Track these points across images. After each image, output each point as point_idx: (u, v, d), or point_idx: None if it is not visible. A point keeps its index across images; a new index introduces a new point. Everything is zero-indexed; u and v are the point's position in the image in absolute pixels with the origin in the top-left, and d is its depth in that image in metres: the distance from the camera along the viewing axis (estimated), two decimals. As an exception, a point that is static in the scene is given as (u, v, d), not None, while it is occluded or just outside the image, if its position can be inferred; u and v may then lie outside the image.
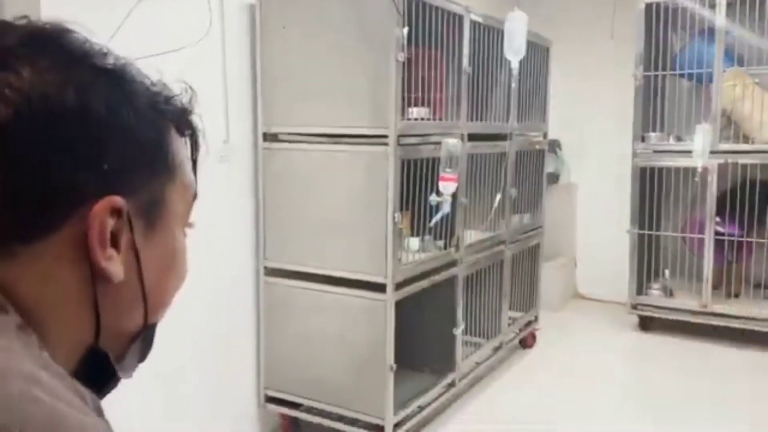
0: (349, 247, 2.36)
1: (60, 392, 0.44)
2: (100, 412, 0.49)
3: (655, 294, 3.92)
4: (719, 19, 3.55)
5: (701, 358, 3.58)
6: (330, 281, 2.40)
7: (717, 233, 3.67)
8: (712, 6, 3.58)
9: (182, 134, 0.60)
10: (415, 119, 2.47)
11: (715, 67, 3.59)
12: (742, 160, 3.57)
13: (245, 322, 2.55)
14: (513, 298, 3.40)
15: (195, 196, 0.62)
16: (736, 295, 3.80)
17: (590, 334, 4.01)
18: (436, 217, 2.46)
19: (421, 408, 2.59)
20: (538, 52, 3.38)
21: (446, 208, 2.43)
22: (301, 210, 2.44)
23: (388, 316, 2.31)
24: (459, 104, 2.70)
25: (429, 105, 2.57)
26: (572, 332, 4.07)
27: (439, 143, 2.42)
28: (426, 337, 2.79)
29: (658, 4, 3.75)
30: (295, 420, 2.61)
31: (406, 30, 2.22)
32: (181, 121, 0.60)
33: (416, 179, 2.41)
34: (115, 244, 0.52)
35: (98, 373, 0.55)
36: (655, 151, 3.83)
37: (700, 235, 3.73)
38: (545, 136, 3.64)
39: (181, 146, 0.59)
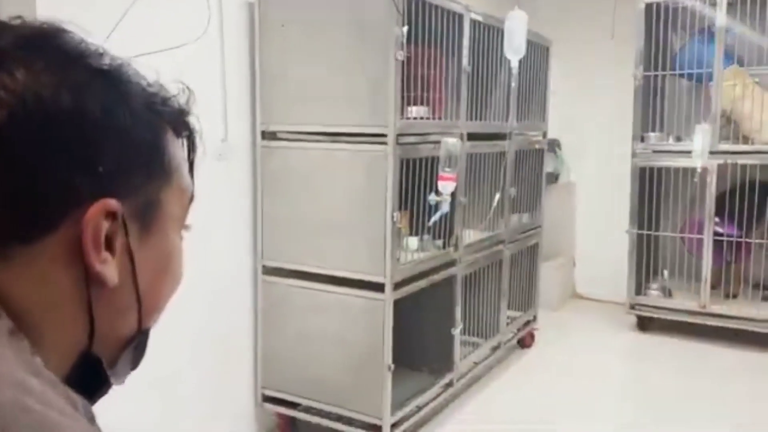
0: (348, 246, 2.35)
1: (51, 400, 0.44)
2: (92, 419, 0.48)
3: (653, 294, 3.92)
4: (719, 18, 3.54)
5: (699, 359, 3.58)
6: (328, 280, 2.40)
7: (716, 234, 3.66)
8: (713, 5, 3.58)
9: (179, 136, 0.59)
10: (415, 118, 2.46)
11: (715, 67, 3.59)
12: (742, 160, 3.57)
13: (243, 321, 2.54)
14: (511, 297, 3.40)
15: (192, 199, 0.61)
16: (735, 296, 3.80)
17: (589, 334, 4.01)
18: (435, 217, 2.45)
19: (418, 408, 2.58)
20: (538, 52, 3.37)
21: (445, 208, 2.43)
22: (299, 209, 2.43)
23: (386, 315, 2.30)
24: (458, 103, 2.69)
25: (428, 104, 2.56)
26: (571, 332, 4.07)
27: (438, 142, 2.42)
28: (424, 337, 2.79)
29: (658, 4, 3.75)
30: (292, 419, 2.60)
31: (405, 29, 2.21)
32: (178, 122, 0.59)
33: (415, 178, 2.40)
34: (109, 247, 0.51)
35: (91, 378, 0.54)
36: (655, 151, 3.82)
37: (699, 236, 3.73)
38: (545, 135, 3.64)
39: (177, 148, 0.59)
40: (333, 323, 2.40)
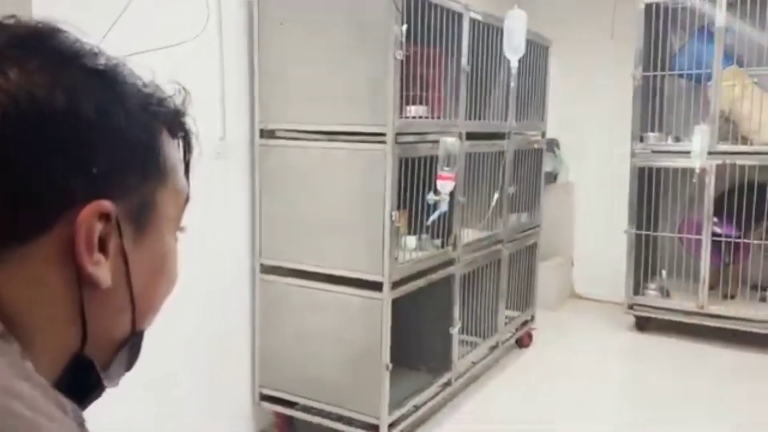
0: (346, 245, 2.35)
1: (40, 405, 0.43)
2: (81, 425, 0.48)
3: (651, 294, 3.92)
4: (719, 18, 3.54)
5: (697, 359, 3.58)
6: (326, 279, 2.39)
7: (714, 234, 3.67)
8: (713, 5, 3.57)
9: (175, 137, 0.59)
10: (413, 117, 2.45)
11: (714, 68, 3.59)
12: (740, 161, 3.57)
13: (241, 320, 2.54)
14: (510, 297, 3.40)
15: (187, 200, 0.61)
16: (733, 297, 3.80)
17: (587, 334, 4.01)
18: (434, 216, 2.45)
19: (416, 407, 2.58)
20: (537, 51, 3.37)
21: (444, 207, 2.42)
22: (297, 207, 2.42)
23: (384, 314, 2.30)
24: (457, 103, 2.69)
25: (427, 103, 2.56)
26: (569, 332, 4.07)
27: (437, 142, 2.41)
28: (422, 336, 2.79)
29: (658, 4, 3.74)
30: (290, 419, 2.60)
31: (404, 27, 2.21)
32: (174, 123, 0.58)
33: (414, 178, 2.40)
34: (103, 248, 0.51)
35: (83, 381, 0.53)
36: (654, 152, 3.82)
37: (698, 236, 3.73)
38: (543, 135, 3.64)
39: (173, 149, 0.58)
40: (331, 322, 2.40)
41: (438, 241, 2.66)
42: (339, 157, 2.33)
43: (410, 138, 2.36)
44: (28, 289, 0.49)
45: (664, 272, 3.94)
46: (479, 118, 2.87)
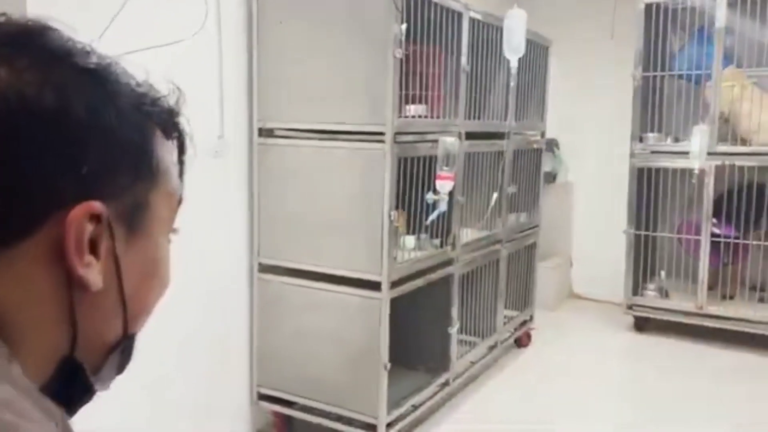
0: (345, 244, 2.34)
1: (26, 411, 0.43)
2: (67, 430, 0.47)
3: (650, 295, 3.92)
4: (719, 19, 3.54)
5: (696, 360, 3.58)
6: (325, 279, 2.39)
7: (713, 235, 3.66)
8: (712, 6, 3.57)
9: (169, 137, 0.58)
10: (413, 117, 2.45)
11: (713, 68, 3.58)
12: (739, 162, 3.56)
13: (239, 319, 2.53)
14: (508, 297, 3.40)
15: (180, 201, 0.60)
16: (731, 297, 3.80)
17: (586, 334, 4.01)
18: (433, 216, 2.44)
19: (414, 407, 2.58)
20: (537, 51, 3.36)
21: (443, 207, 2.42)
22: (296, 207, 2.42)
23: (382, 314, 2.29)
24: (457, 102, 2.68)
25: (427, 102, 2.55)
26: (568, 332, 4.07)
27: (436, 141, 2.41)
28: (421, 336, 2.78)
29: (658, 4, 3.74)
30: (288, 418, 2.60)
31: (404, 26, 2.20)
32: (168, 123, 0.57)
33: (413, 177, 2.39)
34: (94, 250, 0.50)
35: (73, 385, 0.52)
36: (653, 152, 3.82)
37: (696, 237, 3.73)
38: (543, 135, 3.63)
39: (166, 150, 0.57)
40: (329, 322, 2.40)
41: (437, 241, 2.66)
42: (338, 156, 2.33)
43: (409, 137, 2.35)
44: (17, 291, 0.48)
45: (663, 273, 3.94)
46: (479, 118, 2.87)
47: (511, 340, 3.54)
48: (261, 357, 2.55)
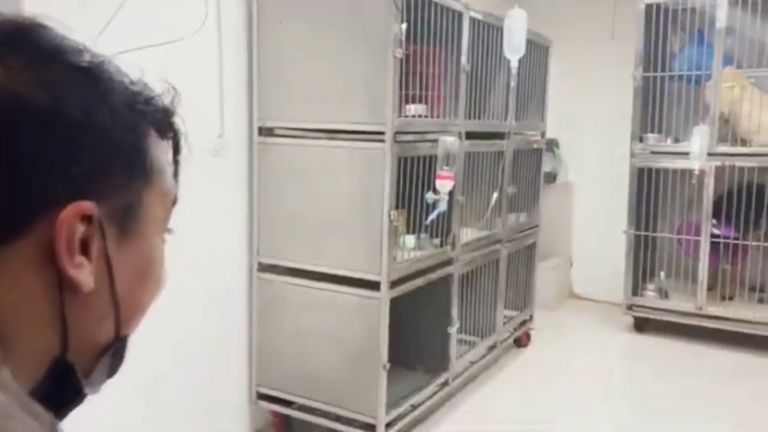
0: (344, 244, 2.34)
1: (14, 414, 0.42)
2: None
3: (650, 295, 3.92)
4: (719, 20, 3.53)
5: (695, 360, 3.58)
6: (324, 278, 2.39)
7: (713, 235, 3.66)
8: (713, 6, 3.57)
9: (164, 137, 0.57)
10: (413, 116, 2.45)
11: (714, 69, 3.58)
12: (739, 162, 3.56)
13: (238, 318, 2.53)
14: (508, 297, 3.39)
15: (175, 201, 0.59)
16: (731, 298, 3.80)
17: (585, 334, 4.01)
18: (432, 215, 2.44)
19: (413, 407, 2.57)
20: (537, 51, 3.36)
21: (443, 206, 2.42)
22: (295, 206, 2.42)
23: (382, 314, 2.29)
24: (457, 102, 2.68)
25: (427, 102, 2.55)
26: (567, 332, 4.07)
27: (436, 141, 2.41)
28: (420, 336, 2.78)
29: (658, 5, 3.74)
30: (287, 417, 2.59)
31: (404, 26, 2.20)
32: (163, 123, 0.57)
33: (413, 177, 2.39)
34: (85, 251, 0.49)
35: (64, 387, 0.52)
36: (653, 152, 3.82)
37: (696, 237, 3.73)
38: (543, 135, 3.63)
39: (161, 149, 0.56)
40: (328, 321, 2.39)
41: (437, 241, 2.66)
42: (338, 155, 2.32)
43: (409, 137, 2.35)
44: (7, 292, 0.47)
45: (662, 273, 3.94)
46: (479, 118, 2.87)
47: (511, 340, 3.54)
48: (260, 356, 2.55)
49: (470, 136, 2.76)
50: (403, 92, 2.30)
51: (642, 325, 3.98)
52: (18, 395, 0.45)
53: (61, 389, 0.52)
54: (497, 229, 3.15)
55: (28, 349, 0.49)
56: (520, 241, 3.45)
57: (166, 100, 0.58)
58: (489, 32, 2.84)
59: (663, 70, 3.83)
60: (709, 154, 3.47)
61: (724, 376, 3.37)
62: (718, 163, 3.57)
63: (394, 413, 2.42)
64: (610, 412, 3.06)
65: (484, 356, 3.18)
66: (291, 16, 2.36)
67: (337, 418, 2.42)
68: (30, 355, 0.49)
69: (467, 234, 2.89)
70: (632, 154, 3.84)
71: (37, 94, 0.47)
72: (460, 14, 2.62)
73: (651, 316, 3.91)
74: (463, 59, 2.66)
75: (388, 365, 2.32)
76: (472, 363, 3.06)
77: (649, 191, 3.88)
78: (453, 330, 2.78)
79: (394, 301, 2.33)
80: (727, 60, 3.64)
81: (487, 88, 2.92)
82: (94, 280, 0.50)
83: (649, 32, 3.75)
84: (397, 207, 2.29)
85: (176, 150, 0.59)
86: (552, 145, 4.40)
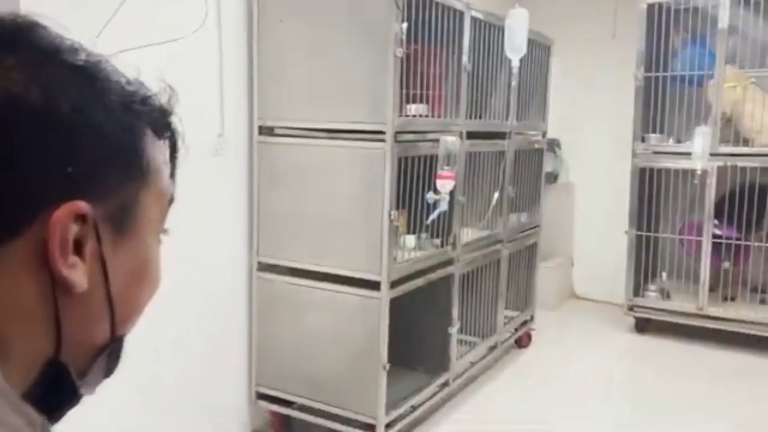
0: (345, 244, 2.34)
1: (5, 417, 0.42)
2: None
3: (651, 296, 3.91)
4: (722, 20, 3.52)
5: (696, 361, 3.57)
6: (324, 278, 2.38)
7: (715, 236, 3.65)
8: (715, 6, 3.56)
9: (160, 137, 0.57)
10: (414, 116, 2.44)
11: (716, 69, 3.57)
12: (742, 163, 3.55)
13: (238, 318, 2.53)
14: (509, 297, 3.39)
15: (172, 201, 0.59)
16: (733, 299, 3.79)
17: (586, 335, 4.00)
18: (433, 215, 2.43)
19: (414, 407, 2.57)
20: (539, 51, 3.35)
21: (443, 206, 2.41)
22: (296, 205, 2.41)
23: (382, 314, 2.28)
24: (458, 102, 2.67)
25: (428, 102, 2.55)
26: (568, 332, 4.06)
27: (437, 140, 2.40)
28: (421, 336, 2.78)
29: (660, 4, 3.73)
30: (286, 417, 2.59)
31: (405, 25, 2.19)
32: (160, 122, 0.56)
33: (413, 176, 2.38)
34: (79, 251, 0.49)
35: (58, 388, 0.51)
36: (655, 152, 3.81)
37: (698, 238, 3.72)
38: (544, 135, 3.62)
39: (157, 149, 0.56)
40: (328, 321, 2.39)
41: (437, 241, 2.65)
42: (338, 155, 2.32)
43: (410, 136, 2.34)
44: (1, 292, 0.47)
45: (664, 274, 3.93)
46: (480, 118, 2.86)
47: (512, 341, 3.53)
48: (260, 356, 2.55)
49: (471, 135, 2.75)
50: (404, 92, 2.30)
51: (643, 326, 3.97)
52: (10, 398, 0.44)
53: (56, 390, 0.51)
54: (498, 229, 3.14)
55: (21, 349, 0.48)
56: (521, 242, 3.44)
57: (163, 100, 0.57)
58: (490, 32, 2.83)
59: (665, 70, 3.82)
60: (711, 155, 3.47)
61: (726, 377, 3.36)
62: (720, 164, 3.56)
63: (394, 414, 2.42)
64: (611, 413, 3.05)
65: (484, 357, 3.17)
66: (291, 15, 2.35)
67: (337, 418, 2.42)
68: (24, 356, 0.49)
69: (468, 234, 2.88)
70: (634, 154, 3.83)
71: (32, 94, 0.47)
72: (462, 13, 2.61)
73: (652, 317, 3.90)
74: (464, 59, 2.65)
75: (388, 365, 2.31)
76: (473, 363, 3.05)
77: (651, 191, 3.87)
78: (453, 330, 2.78)
79: (394, 301, 2.33)
80: (729, 60, 3.63)
81: (489, 88, 2.91)
82: (88, 281, 0.50)
83: (650, 32, 3.75)
84: (397, 207, 2.29)
85: (173, 150, 0.59)
86: (553, 145, 4.39)
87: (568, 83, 4.31)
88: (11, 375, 0.46)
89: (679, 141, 3.81)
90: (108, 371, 0.56)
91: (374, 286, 2.29)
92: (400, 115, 2.27)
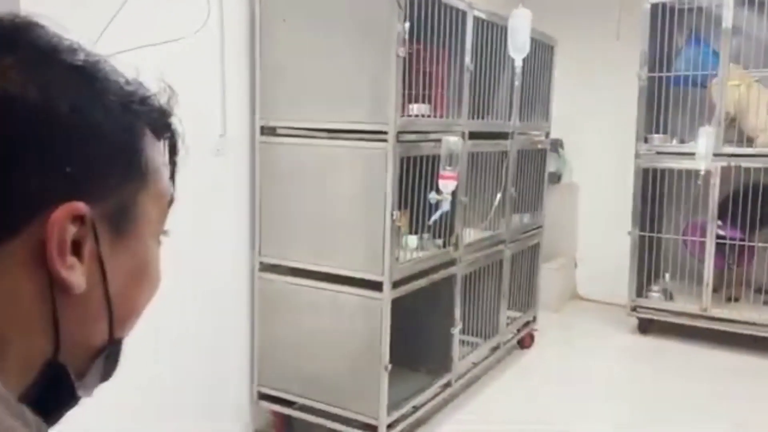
0: (346, 244, 2.33)
1: (3, 420, 0.41)
2: None
3: (654, 297, 3.90)
4: (726, 20, 3.51)
5: (700, 362, 3.56)
6: (326, 278, 2.38)
7: (718, 237, 3.64)
8: (719, 6, 3.55)
9: (160, 137, 0.56)
10: (416, 116, 2.44)
11: (720, 68, 3.56)
12: (745, 163, 3.54)
13: (239, 318, 2.52)
14: (512, 298, 3.38)
15: (171, 202, 0.58)
16: (737, 300, 3.77)
17: (589, 336, 3.99)
18: (435, 215, 2.43)
19: (415, 408, 2.56)
20: (542, 51, 3.35)
21: (446, 207, 2.41)
22: (298, 205, 2.41)
23: (384, 315, 2.28)
24: (460, 101, 2.66)
25: (430, 102, 2.54)
26: (571, 333, 4.05)
27: (439, 141, 2.39)
28: (423, 337, 2.77)
29: (663, 4, 3.72)
30: (288, 418, 2.59)
31: (407, 25, 2.19)
32: (159, 123, 0.56)
33: (415, 177, 2.38)
34: (77, 252, 0.49)
35: (57, 389, 0.51)
36: (658, 153, 3.80)
37: (702, 239, 3.70)
38: (547, 135, 3.61)
39: (156, 150, 0.55)
40: (330, 321, 2.38)
41: (439, 241, 2.64)
42: (340, 155, 2.31)
43: (412, 136, 2.34)
44: (0, 294, 0.47)
45: (667, 275, 3.92)
46: (482, 118, 2.85)
47: (514, 342, 3.52)
48: (261, 356, 2.54)
49: (474, 136, 2.74)
50: (406, 92, 2.29)
51: (646, 327, 3.96)
52: (5, 399, 0.44)
53: (55, 391, 0.51)
54: (501, 229, 3.13)
55: (19, 350, 0.48)
56: (524, 242, 3.43)
57: (163, 100, 0.57)
58: (493, 31, 2.83)
59: (668, 70, 3.81)
60: (715, 155, 3.46)
61: (729, 378, 3.34)
62: (724, 164, 3.55)
63: (396, 414, 2.41)
64: (614, 414, 3.04)
65: (486, 357, 3.16)
66: (293, 15, 2.35)
67: (339, 419, 2.41)
68: (21, 357, 0.48)
69: (470, 234, 2.88)
70: (637, 155, 3.82)
71: (30, 93, 0.46)
72: (464, 13, 2.61)
73: (655, 318, 3.89)
74: (467, 59, 2.65)
75: (389, 366, 2.31)
76: (475, 364, 3.05)
77: (654, 192, 3.86)
78: (456, 331, 2.77)
79: (396, 302, 2.32)
80: (733, 60, 3.61)
81: (491, 88, 2.91)
82: (87, 282, 0.49)
83: (654, 32, 3.74)
84: (399, 207, 2.28)
85: (173, 150, 0.59)
86: (556, 145, 4.38)
87: (572, 83, 4.29)
88: (9, 375, 0.46)
89: (682, 141, 3.80)
90: (106, 374, 0.56)
91: (376, 286, 2.28)
92: (403, 115, 2.26)
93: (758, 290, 3.84)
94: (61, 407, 0.52)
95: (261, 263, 2.50)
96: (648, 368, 3.56)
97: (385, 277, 2.26)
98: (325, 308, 2.39)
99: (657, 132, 3.85)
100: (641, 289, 3.90)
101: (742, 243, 3.63)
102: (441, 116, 2.61)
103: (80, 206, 0.48)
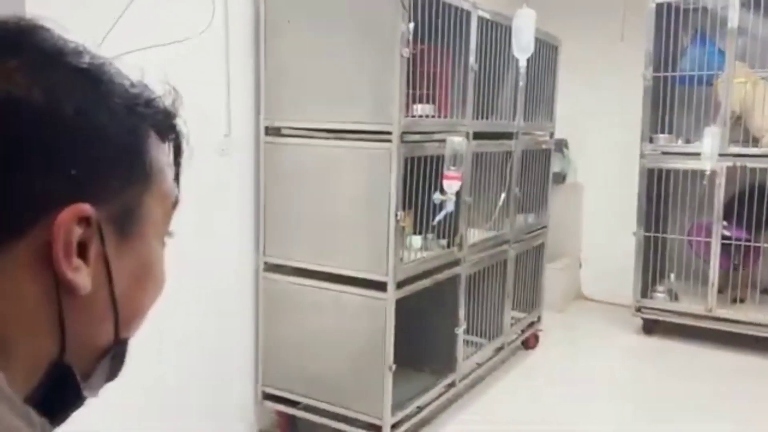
0: (351, 244, 2.33)
1: (5, 418, 0.42)
2: None
3: (659, 297, 3.89)
4: (731, 20, 3.50)
5: (705, 363, 3.55)
6: (330, 279, 2.38)
7: (724, 237, 3.63)
8: (725, 6, 3.54)
9: (164, 139, 0.56)
10: (420, 116, 2.44)
11: (726, 68, 3.55)
12: (751, 163, 3.53)
13: (244, 318, 2.53)
14: (516, 298, 3.37)
15: (176, 204, 0.59)
16: (742, 300, 3.76)
17: (593, 336, 3.98)
18: (440, 216, 2.43)
19: (420, 408, 2.56)
20: (546, 51, 3.34)
21: (450, 207, 2.41)
22: (302, 206, 2.41)
23: (388, 315, 2.28)
24: (465, 102, 2.66)
25: (434, 102, 2.54)
26: (575, 334, 4.04)
27: (443, 141, 2.39)
28: (427, 337, 2.77)
29: (669, 4, 3.71)
30: (292, 418, 2.59)
31: (412, 25, 2.19)
32: (164, 125, 0.56)
33: (420, 177, 2.38)
34: (83, 254, 0.49)
35: (62, 390, 0.51)
36: (663, 153, 3.79)
37: (707, 239, 3.69)
38: (552, 135, 3.61)
39: (161, 151, 0.56)
40: (334, 322, 2.39)
41: (444, 241, 2.64)
42: (344, 155, 2.32)
43: (416, 137, 2.34)
44: (4, 296, 0.47)
45: (672, 275, 3.91)
46: (487, 118, 2.85)
47: (519, 342, 3.52)
48: (266, 356, 2.55)
49: (478, 136, 2.74)
50: (411, 92, 2.29)
51: (651, 327, 3.95)
52: (11, 400, 0.44)
53: (61, 392, 0.51)
54: (505, 229, 3.13)
55: (25, 352, 0.48)
56: (529, 242, 3.43)
57: (167, 102, 0.57)
58: (497, 31, 2.82)
59: (673, 70, 3.80)
60: (721, 155, 3.45)
61: (733, 379, 3.33)
62: (730, 164, 3.54)
63: (400, 414, 2.41)
64: (618, 414, 3.04)
65: (491, 358, 3.16)
66: (298, 15, 2.35)
67: (343, 419, 2.41)
68: (28, 358, 0.49)
69: (475, 235, 2.88)
70: (642, 155, 3.81)
71: (34, 96, 0.47)
72: (468, 13, 2.61)
73: (660, 318, 3.88)
74: (471, 59, 2.65)
75: (394, 366, 2.31)
76: (479, 365, 3.04)
77: (659, 192, 3.85)
78: (460, 331, 2.77)
79: (400, 302, 2.32)
80: (738, 60, 3.60)
81: (496, 88, 2.90)
82: (92, 283, 0.50)
83: (659, 32, 3.73)
84: (403, 207, 2.28)
85: (177, 152, 0.59)
86: (561, 145, 4.37)
87: (576, 83, 4.28)
88: (15, 376, 0.46)
89: (687, 141, 3.79)
90: (111, 374, 0.56)
91: (380, 286, 2.28)
92: (407, 116, 2.27)
93: (764, 291, 3.83)
94: (66, 408, 0.53)
95: (265, 263, 2.50)
96: (652, 369, 3.55)
97: (390, 278, 2.26)
98: (330, 308, 2.39)
99: (662, 132, 3.84)
100: (646, 290, 3.89)
101: (747, 243, 3.61)
102: (445, 116, 2.61)
103: (86, 208, 0.48)
